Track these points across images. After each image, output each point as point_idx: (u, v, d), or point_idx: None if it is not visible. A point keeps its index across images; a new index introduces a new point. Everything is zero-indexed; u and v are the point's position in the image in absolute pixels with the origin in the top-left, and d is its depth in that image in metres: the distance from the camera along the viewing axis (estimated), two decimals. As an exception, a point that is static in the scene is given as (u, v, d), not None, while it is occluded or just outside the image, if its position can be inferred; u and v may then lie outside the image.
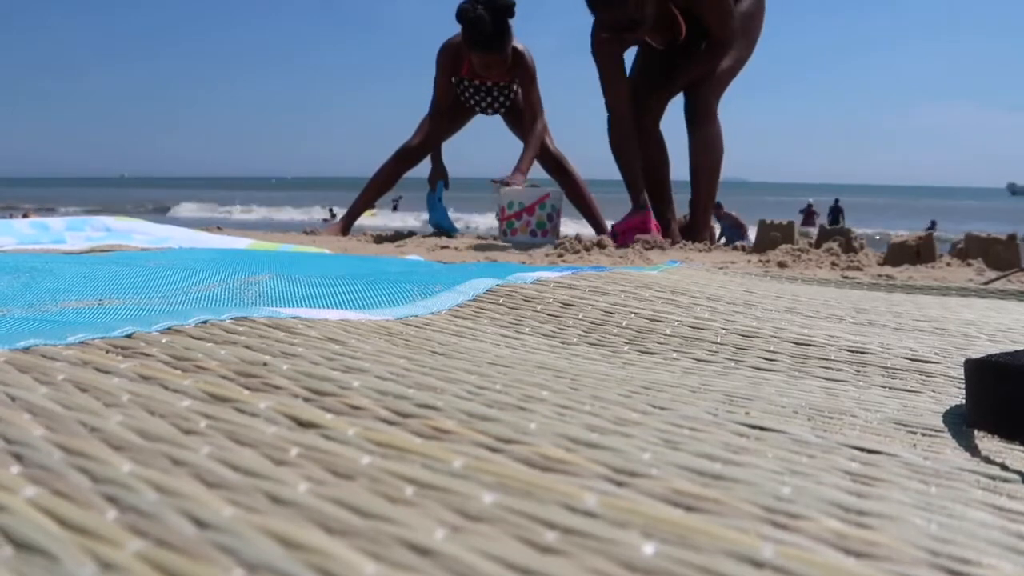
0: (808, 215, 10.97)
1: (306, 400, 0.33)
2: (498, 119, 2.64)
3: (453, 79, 2.48)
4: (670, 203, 2.44)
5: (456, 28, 2.39)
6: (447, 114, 2.55)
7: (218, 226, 2.50)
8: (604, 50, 2.23)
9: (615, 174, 2.26)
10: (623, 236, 2.06)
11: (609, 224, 2.32)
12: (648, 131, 2.37)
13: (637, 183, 2.20)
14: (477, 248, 1.96)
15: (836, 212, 11.51)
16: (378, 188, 2.68)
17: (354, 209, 2.67)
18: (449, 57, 2.45)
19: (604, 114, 2.28)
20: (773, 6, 2.36)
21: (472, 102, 2.54)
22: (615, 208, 2.38)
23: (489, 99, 2.51)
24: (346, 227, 2.59)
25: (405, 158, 2.62)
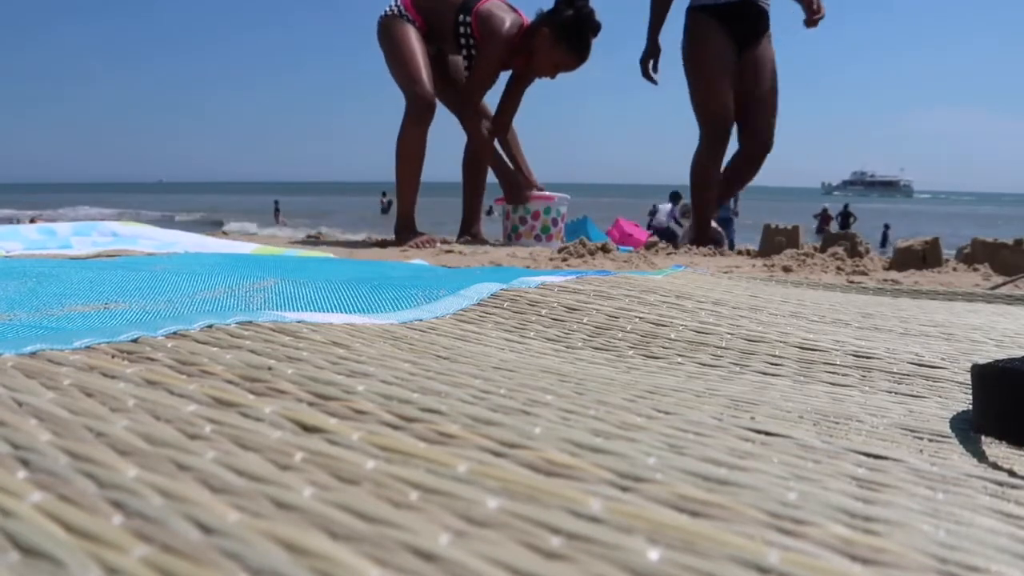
0: (823, 220, 11.06)
1: (311, 404, 0.33)
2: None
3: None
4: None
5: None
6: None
7: (223, 231, 2.51)
8: None
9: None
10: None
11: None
12: None
13: None
14: (481, 253, 1.97)
15: (846, 216, 11.61)
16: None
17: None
18: (518, 40, 2.29)
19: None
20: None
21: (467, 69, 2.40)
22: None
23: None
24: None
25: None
